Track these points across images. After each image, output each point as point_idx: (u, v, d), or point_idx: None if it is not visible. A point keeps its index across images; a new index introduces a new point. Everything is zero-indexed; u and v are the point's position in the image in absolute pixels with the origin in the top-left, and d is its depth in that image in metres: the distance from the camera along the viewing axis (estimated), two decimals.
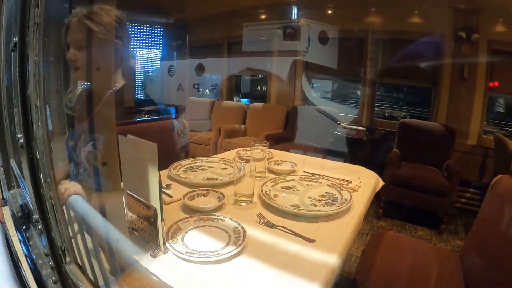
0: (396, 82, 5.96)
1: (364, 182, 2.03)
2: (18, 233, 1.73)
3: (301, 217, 1.47)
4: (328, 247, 1.26)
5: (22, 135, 1.16)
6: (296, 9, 5.57)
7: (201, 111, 6.04)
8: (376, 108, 5.76)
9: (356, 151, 4.82)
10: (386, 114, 6.14)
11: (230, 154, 2.44)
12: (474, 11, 4.70)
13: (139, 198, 1.16)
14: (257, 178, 1.88)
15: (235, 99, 6.59)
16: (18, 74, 1.10)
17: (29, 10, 0.99)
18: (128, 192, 1.20)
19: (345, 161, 4.19)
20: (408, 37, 5.04)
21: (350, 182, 1.96)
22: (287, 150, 2.71)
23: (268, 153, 2.34)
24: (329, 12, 5.46)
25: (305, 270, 1.11)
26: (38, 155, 1.09)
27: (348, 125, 5.05)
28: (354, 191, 1.85)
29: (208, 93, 6.87)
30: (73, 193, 1.15)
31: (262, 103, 5.87)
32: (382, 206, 4.10)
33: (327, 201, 1.65)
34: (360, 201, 1.74)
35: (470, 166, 4.85)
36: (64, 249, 1.12)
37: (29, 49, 1.02)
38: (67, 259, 1.14)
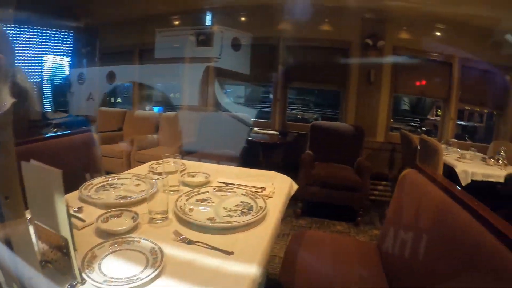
0: (307, 86, 6.16)
1: (278, 187, 2.08)
2: None
3: (217, 230, 1.48)
4: (247, 257, 1.28)
5: None
6: (209, 16, 5.55)
7: (112, 122, 5.80)
8: (288, 111, 5.91)
9: (270, 155, 4.91)
10: (299, 116, 6.33)
11: (143, 169, 2.37)
12: (380, 20, 4.99)
13: (48, 228, 1.10)
14: (171, 193, 1.85)
15: (147, 107, 6.43)
16: None
17: None
18: (36, 222, 1.13)
19: (260, 166, 4.26)
20: (318, 44, 5.23)
21: (264, 189, 1.99)
22: (202, 159, 2.70)
23: (182, 165, 2.32)
24: (242, 19, 5.52)
25: (227, 283, 1.13)
26: None
27: (261, 129, 5.12)
28: (268, 197, 1.89)
29: (120, 101, 6.67)
30: None
31: (175, 112, 5.77)
32: (300, 206, 4.23)
33: (243, 210, 1.68)
34: (275, 207, 1.78)
35: (380, 161, 5.16)
36: None
37: None
38: None
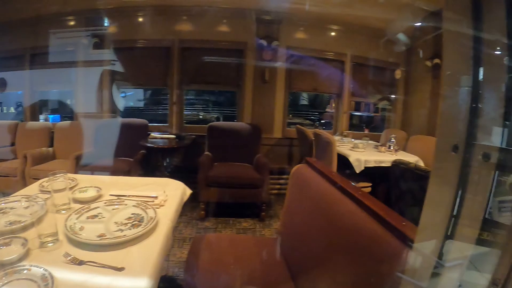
0: (203, 88, 6.25)
1: (171, 194, 2.12)
2: None
3: (107, 246, 1.48)
4: (138, 271, 1.32)
5: None
6: (104, 17, 5.38)
7: (3, 137, 5.36)
8: (189, 112, 5.97)
9: (169, 159, 4.92)
10: (201, 117, 6.42)
11: (32, 189, 2.26)
12: (275, 22, 5.23)
13: None
14: (63, 212, 1.81)
15: (42, 117, 6.08)
16: None
17: None
18: None
19: (160, 172, 4.30)
20: (214, 46, 5.32)
21: (156, 198, 2.03)
22: (99, 171, 2.67)
23: (73, 180, 2.28)
24: (140, 20, 5.42)
25: None
26: None
27: (159, 134, 5.11)
28: (160, 206, 1.94)
29: (13, 111, 6.28)
30: None
31: (69, 121, 5.56)
32: (203, 208, 4.28)
33: (133, 222, 1.70)
34: (166, 215, 1.83)
35: (279, 156, 5.41)
36: None
37: None
38: None
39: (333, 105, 6.48)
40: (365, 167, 4.12)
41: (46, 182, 2.30)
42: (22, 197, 2.03)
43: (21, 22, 5.45)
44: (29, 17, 5.37)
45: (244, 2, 5.21)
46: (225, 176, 4.36)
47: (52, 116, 6.19)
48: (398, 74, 5.76)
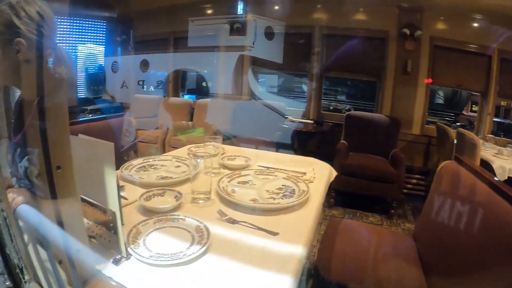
0: (343, 76, 6.09)
1: (319, 173, 2.05)
2: None
3: (261, 211, 1.47)
4: (292, 238, 1.27)
5: None
6: (242, 5, 5.52)
7: (147, 109, 5.86)
8: (322, 102, 5.84)
9: (305, 143, 4.87)
10: (331, 108, 6.25)
11: (181, 152, 2.38)
12: (417, 9, 4.84)
13: (95, 202, 1.10)
14: (212, 175, 1.82)
15: (181, 95, 6.46)
16: None
17: None
18: (82, 197, 1.13)
19: (296, 154, 4.25)
20: (353, 33, 5.14)
21: (304, 173, 1.98)
22: (237, 145, 2.69)
23: (221, 149, 2.31)
24: (276, 8, 5.46)
25: (274, 262, 1.11)
26: None
27: (296, 118, 5.09)
28: (310, 182, 1.87)
29: (152, 89, 6.71)
30: (21, 202, 1.07)
31: (209, 99, 5.80)
32: (333, 196, 4.18)
33: (285, 193, 1.66)
34: (317, 191, 1.77)
35: (415, 154, 5.06)
36: (22, 267, 1.03)
37: None
38: (26, 277, 1.05)
39: (473, 107, 5.90)
40: (508, 176, 3.67)
41: (195, 147, 2.41)
42: (173, 157, 2.13)
43: (164, 10, 5.87)
44: (171, 5, 5.70)
45: None
46: (360, 167, 4.17)
47: (187, 96, 6.48)
48: None
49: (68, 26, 5.85)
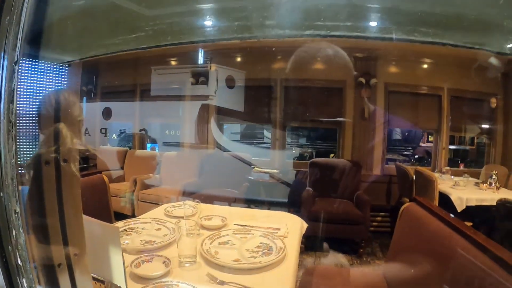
0: (305, 125, 6.26)
1: (291, 227, 2.17)
2: None
3: (245, 270, 1.58)
4: None
5: None
6: (204, 54, 5.66)
7: (113, 161, 5.83)
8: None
9: (272, 193, 4.97)
10: (293, 151, 6.40)
11: (158, 213, 2.43)
12: (371, 58, 5.21)
13: (99, 277, 1.18)
14: (190, 236, 1.88)
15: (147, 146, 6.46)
16: None
17: None
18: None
19: (263, 205, 4.36)
20: (312, 84, 5.38)
21: (278, 229, 2.10)
22: (205, 199, 2.77)
23: (195, 208, 2.39)
24: (238, 59, 5.64)
25: None
26: None
27: (262, 168, 5.19)
28: (284, 237, 1.99)
29: (115, 137, 6.70)
30: None
31: (176, 151, 5.83)
32: (303, 241, 4.25)
33: (264, 251, 1.78)
34: (292, 246, 1.89)
35: (378, 193, 5.27)
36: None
37: None
38: None
39: (429, 137, 6.23)
40: (466, 206, 3.92)
41: (171, 207, 2.49)
42: (152, 220, 2.20)
43: (127, 60, 5.95)
44: (135, 56, 5.82)
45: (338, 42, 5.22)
46: (328, 212, 4.31)
47: (150, 144, 6.50)
48: (493, 102, 5.40)
49: (28, 68, 5.79)
